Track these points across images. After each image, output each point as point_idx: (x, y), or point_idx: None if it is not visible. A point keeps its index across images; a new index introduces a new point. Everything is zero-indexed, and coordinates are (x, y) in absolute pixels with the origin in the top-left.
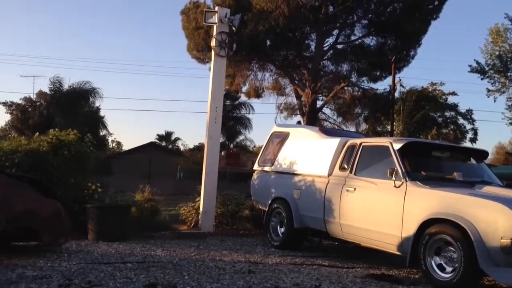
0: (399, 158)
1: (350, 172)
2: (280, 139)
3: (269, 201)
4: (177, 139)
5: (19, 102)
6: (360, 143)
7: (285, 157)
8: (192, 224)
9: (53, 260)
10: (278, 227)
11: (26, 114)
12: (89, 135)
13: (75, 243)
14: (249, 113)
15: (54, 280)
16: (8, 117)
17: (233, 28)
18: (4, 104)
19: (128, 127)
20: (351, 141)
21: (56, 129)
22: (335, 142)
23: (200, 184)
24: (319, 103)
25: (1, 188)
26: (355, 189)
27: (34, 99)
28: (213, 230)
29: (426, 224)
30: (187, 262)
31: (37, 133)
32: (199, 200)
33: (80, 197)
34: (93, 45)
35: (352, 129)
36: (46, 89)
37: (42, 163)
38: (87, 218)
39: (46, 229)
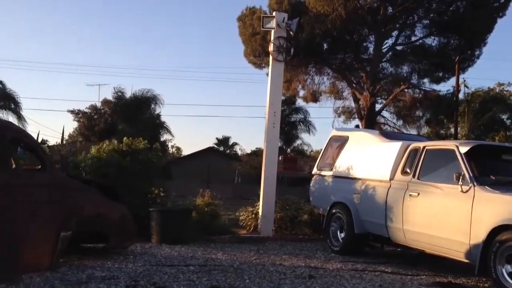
0: (466, 162)
1: (413, 176)
2: (339, 143)
3: (329, 206)
4: (234, 144)
5: (86, 110)
6: (424, 147)
7: (345, 162)
8: (251, 229)
9: (120, 262)
10: (338, 232)
11: (92, 121)
12: (158, 144)
13: (140, 246)
14: (306, 118)
15: (121, 281)
16: (76, 124)
17: (291, 33)
18: (72, 112)
19: (187, 132)
20: (414, 145)
21: (128, 138)
22: (397, 145)
23: (259, 189)
24: (377, 106)
25: (74, 192)
26: (418, 194)
27: (99, 107)
28: (272, 235)
29: (496, 231)
30: (247, 266)
31: (106, 141)
32: (258, 205)
33: (144, 201)
34: (154, 54)
35: (413, 132)
36: (110, 97)
37: (112, 170)
38: (150, 222)
39: (113, 232)
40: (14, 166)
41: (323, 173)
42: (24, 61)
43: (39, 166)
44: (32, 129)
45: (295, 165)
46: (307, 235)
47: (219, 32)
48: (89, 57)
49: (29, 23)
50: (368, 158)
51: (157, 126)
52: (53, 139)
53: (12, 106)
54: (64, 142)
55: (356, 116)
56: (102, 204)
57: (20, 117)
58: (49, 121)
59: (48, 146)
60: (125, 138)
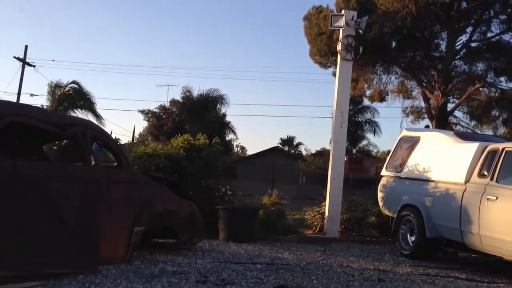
0: None
1: (491, 179)
2: (409, 144)
3: (398, 208)
4: (299, 144)
5: (155, 110)
6: (503, 148)
7: (416, 163)
8: (317, 229)
9: (189, 258)
10: (408, 236)
11: (160, 121)
12: (217, 139)
13: (208, 243)
14: (372, 118)
15: (191, 276)
16: (145, 123)
17: (360, 31)
18: (142, 112)
19: (252, 132)
20: (492, 146)
21: (187, 134)
22: (473, 147)
23: (324, 189)
24: (449, 106)
25: (145, 188)
26: (497, 197)
27: (167, 107)
28: (339, 236)
29: None
30: (314, 266)
31: (173, 139)
32: (324, 205)
33: (211, 199)
34: (220, 55)
35: (488, 133)
36: (178, 97)
37: (179, 166)
38: (217, 219)
39: (183, 228)
40: (93, 162)
41: (392, 174)
42: (99, 64)
43: (115, 164)
44: (106, 128)
45: (361, 166)
46: (374, 237)
47: (284, 32)
48: (159, 59)
49: (101, 26)
50: (442, 160)
51: (223, 125)
52: (125, 138)
53: (89, 106)
54: (135, 140)
55: (426, 116)
56: (172, 201)
57: (97, 116)
58: (121, 121)
59: (120, 144)
60: (185, 135)
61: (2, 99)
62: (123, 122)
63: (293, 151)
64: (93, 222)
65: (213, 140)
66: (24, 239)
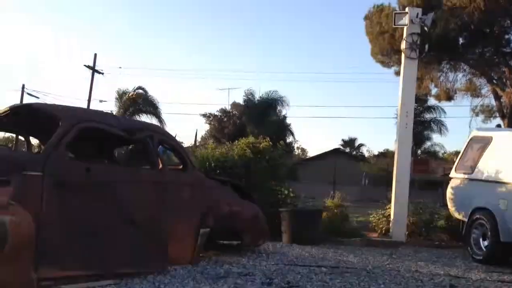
0: None
1: None
2: (481, 144)
3: (470, 211)
4: (361, 145)
5: (216, 113)
6: None
7: (489, 164)
8: (383, 232)
9: (254, 259)
10: (481, 240)
11: (222, 124)
12: (281, 142)
13: (271, 245)
14: (439, 117)
15: (256, 278)
16: (207, 127)
17: (425, 28)
18: (204, 115)
19: (312, 134)
20: None
21: (250, 137)
22: None
23: (388, 191)
24: None
25: (210, 191)
26: None
27: (229, 110)
28: (405, 240)
29: None
30: (381, 270)
31: (236, 142)
32: (389, 208)
33: (274, 201)
34: (279, 57)
35: None
36: (239, 100)
37: (242, 169)
38: (281, 222)
39: (247, 230)
40: (161, 166)
41: (462, 176)
42: (162, 69)
43: (181, 167)
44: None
45: (427, 168)
46: (443, 241)
47: (343, 32)
48: (222, 62)
49: (164, 31)
50: None
51: (283, 128)
52: (187, 141)
53: (153, 110)
54: (197, 144)
55: (497, 115)
56: (237, 203)
57: (160, 120)
58: (183, 124)
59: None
60: (248, 137)
61: (75, 105)
62: (185, 126)
63: (354, 152)
64: (162, 224)
65: (278, 143)
66: (98, 240)
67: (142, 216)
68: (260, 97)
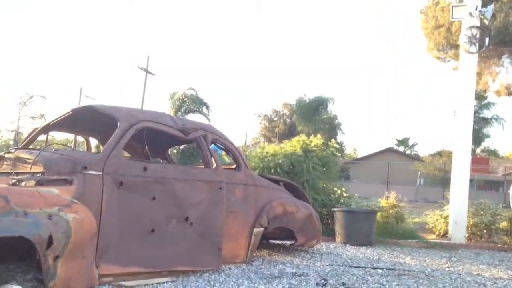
0: None
1: None
2: None
3: None
4: (415, 144)
5: (267, 113)
6: None
7: None
8: (441, 234)
9: (308, 260)
10: None
11: (272, 123)
12: (333, 140)
13: (325, 245)
14: (499, 114)
15: (311, 278)
16: (258, 126)
17: (485, 21)
18: (255, 115)
19: (364, 133)
20: None
21: (302, 135)
22: None
23: (445, 192)
24: None
25: (264, 190)
26: None
27: (279, 110)
28: (465, 242)
29: None
30: (440, 273)
31: (286, 141)
32: (447, 209)
33: (327, 201)
34: (331, 56)
35: None
36: (290, 100)
37: (295, 168)
38: (334, 222)
39: (301, 230)
40: (215, 165)
41: None
42: (211, 68)
43: (234, 166)
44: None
45: (486, 167)
46: (506, 244)
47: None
48: (273, 60)
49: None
50: None
51: (334, 127)
52: (238, 141)
53: (203, 110)
54: (248, 143)
55: None
56: (290, 202)
57: (210, 120)
58: (233, 125)
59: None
60: (300, 136)
61: (130, 106)
62: (235, 126)
63: (409, 151)
64: (216, 223)
65: (330, 142)
66: (155, 237)
67: (197, 215)
68: (311, 96)
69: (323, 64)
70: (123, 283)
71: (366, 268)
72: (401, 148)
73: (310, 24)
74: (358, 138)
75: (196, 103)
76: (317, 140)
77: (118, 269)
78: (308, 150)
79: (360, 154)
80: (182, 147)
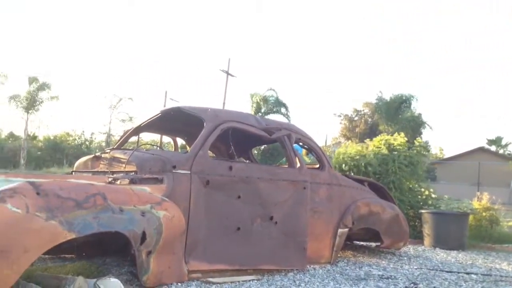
0: None
1: None
2: None
3: None
4: (508, 143)
5: (347, 113)
6: None
7: None
8: None
9: (395, 263)
10: None
11: (352, 123)
12: (420, 139)
13: (412, 248)
14: None
15: (399, 281)
16: (339, 126)
17: None
18: (335, 115)
19: (451, 132)
20: None
21: (384, 134)
22: None
23: None
24: None
25: (348, 190)
26: None
27: (360, 109)
28: None
29: None
30: None
31: (368, 140)
32: None
33: (414, 202)
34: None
35: None
36: (369, 99)
37: (379, 168)
38: (422, 224)
39: (386, 231)
40: (299, 165)
41: None
42: (290, 67)
43: (317, 166)
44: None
45: None
46: None
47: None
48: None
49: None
50: None
51: (418, 126)
52: (318, 142)
53: (283, 111)
54: (328, 143)
55: None
56: (375, 203)
57: (289, 121)
58: (313, 124)
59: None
60: (383, 135)
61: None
62: (315, 125)
63: (501, 151)
64: (301, 222)
65: (415, 140)
66: (241, 236)
67: (282, 214)
68: (393, 94)
69: (411, 64)
70: (211, 279)
71: (459, 273)
72: (492, 148)
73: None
74: (444, 138)
75: (276, 104)
76: (400, 139)
77: (206, 265)
78: (392, 150)
79: (447, 154)
80: (262, 147)
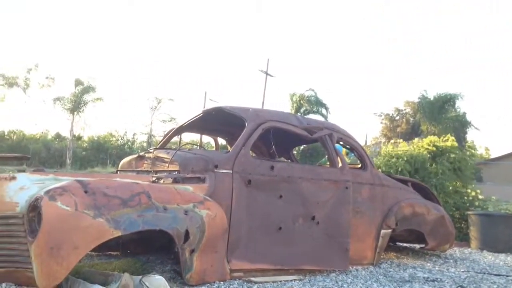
0: None
1: None
2: None
3: None
4: None
5: (388, 112)
6: None
7: None
8: None
9: (440, 265)
10: None
11: (393, 122)
12: (470, 142)
13: (458, 250)
14: None
15: (445, 284)
16: (379, 126)
17: None
18: (375, 114)
19: (498, 132)
20: None
21: (429, 136)
22: None
23: None
24: None
25: (391, 191)
26: None
27: (401, 109)
28: None
29: None
30: None
31: (416, 139)
32: None
33: (460, 203)
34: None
35: None
36: (411, 98)
37: (423, 168)
38: (468, 226)
39: (431, 233)
40: (340, 164)
41: None
42: (332, 67)
43: (359, 165)
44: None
45: None
46: None
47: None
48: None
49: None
50: None
51: (462, 126)
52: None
53: (322, 111)
54: (368, 143)
55: None
56: (420, 204)
57: (327, 120)
58: (353, 124)
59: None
60: (429, 136)
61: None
62: (355, 125)
63: None
64: (343, 223)
65: (466, 142)
66: (282, 235)
67: (323, 214)
68: (437, 93)
69: (454, 62)
70: (253, 278)
71: (508, 276)
72: None
73: None
74: (489, 138)
75: (316, 104)
76: (451, 142)
77: (247, 265)
78: (439, 151)
79: (493, 155)
80: (302, 147)
